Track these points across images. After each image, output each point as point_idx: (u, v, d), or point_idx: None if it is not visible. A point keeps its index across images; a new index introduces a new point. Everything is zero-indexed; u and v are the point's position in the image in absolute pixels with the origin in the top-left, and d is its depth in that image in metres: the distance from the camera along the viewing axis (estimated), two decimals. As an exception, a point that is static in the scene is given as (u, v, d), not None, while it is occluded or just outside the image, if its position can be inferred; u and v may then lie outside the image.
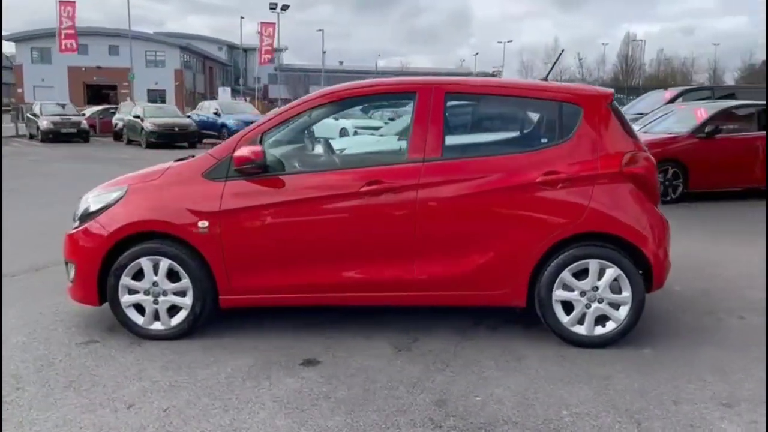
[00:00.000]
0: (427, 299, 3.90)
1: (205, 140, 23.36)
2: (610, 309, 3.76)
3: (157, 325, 3.88)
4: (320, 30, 59.51)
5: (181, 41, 62.94)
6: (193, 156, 4.17)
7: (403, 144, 4.09)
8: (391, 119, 17.59)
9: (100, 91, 57.39)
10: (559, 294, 3.77)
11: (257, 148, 3.71)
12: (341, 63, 78.19)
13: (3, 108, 26.15)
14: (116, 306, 3.85)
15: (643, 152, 3.89)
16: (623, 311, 3.76)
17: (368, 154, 5.08)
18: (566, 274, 3.74)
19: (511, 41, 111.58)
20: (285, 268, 3.82)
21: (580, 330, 3.79)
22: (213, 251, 3.76)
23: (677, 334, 4.05)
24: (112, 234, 3.79)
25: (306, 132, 4.47)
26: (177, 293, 3.85)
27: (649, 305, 3.87)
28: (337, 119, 15.12)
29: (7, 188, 9.85)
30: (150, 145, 21.60)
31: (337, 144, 5.26)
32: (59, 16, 33.51)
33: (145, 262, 3.80)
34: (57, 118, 24.03)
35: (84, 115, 27.84)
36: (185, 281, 3.81)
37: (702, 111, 10.08)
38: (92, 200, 4.00)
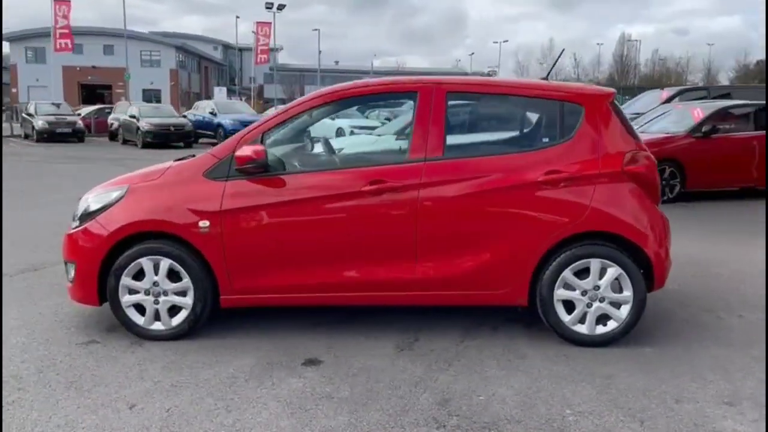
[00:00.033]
0: (428, 299, 3.89)
1: (201, 140, 23.35)
2: (612, 308, 3.77)
3: (157, 325, 3.87)
4: (316, 30, 59.49)
5: (177, 41, 62.76)
6: (193, 155, 4.16)
7: (404, 143, 4.09)
8: (388, 119, 17.61)
9: (95, 90, 57.16)
10: (560, 293, 3.77)
11: (259, 147, 3.70)
12: (337, 63, 78.10)
13: (-1, 108, 26.06)
14: (116, 306, 3.84)
15: (644, 151, 3.89)
16: (624, 310, 3.76)
17: (369, 153, 5.08)
18: (568, 274, 3.75)
19: (506, 41, 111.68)
20: (286, 268, 3.81)
21: (582, 329, 3.79)
22: (214, 251, 3.75)
23: (677, 332, 4.06)
24: (113, 234, 3.77)
25: (306, 132, 4.47)
26: (178, 293, 3.83)
27: (649, 304, 3.88)
28: (333, 119, 15.10)
29: (4, 188, 9.80)
30: (146, 145, 21.58)
31: (335, 144, 5.25)
32: (54, 15, 33.32)
33: (146, 262, 3.79)
34: (52, 118, 23.96)
35: (79, 114, 27.76)
36: (186, 281, 3.80)
37: (699, 111, 10.11)
38: (92, 200, 3.98)
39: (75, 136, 23.95)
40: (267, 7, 46.04)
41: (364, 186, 3.72)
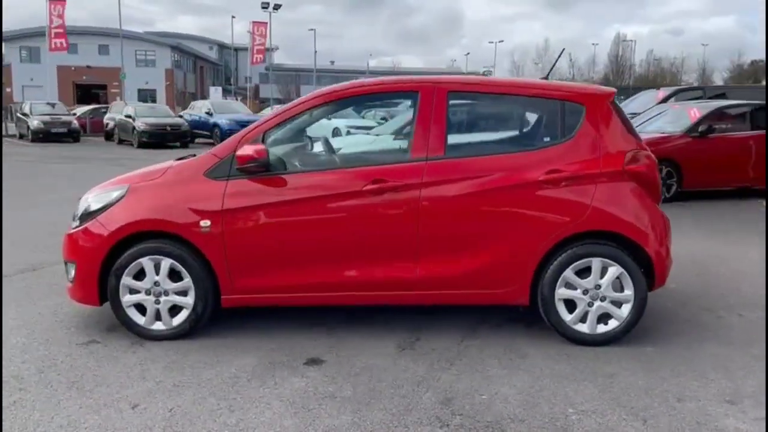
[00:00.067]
0: (430, 298, 3.89)
1: (197, 140, 23.30)
2: (613, 307, 3.78)
3: (158, 325, 3.85)
4: (312, 29, 59.43)
5: (172, 41, 62.58)
6: (194, 155, 4.14)
7: (403, 143, 4.09)
8: (384, 119, 17.57)
9: (90, 90, 56.98)
10: (561, 292, 3.78)
11: (260, 146, 3.70)
12: (332, 63, 78.04)
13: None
14: (117, 306, 3.83)
15: (645, 150, 3.90)
16: (625, 309, 3.77)
17: (370, 153, 5.07)
18: (569, 273, 3.75)
19: (502, 41, 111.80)
20: (287, 268, 3.81)
21: (583, 328, 3.80)
22: (215, 251, 3.74)
23: (678, 331, 4.07)
24: (113, 233, 3.76)
25: (307, 131, 4.46)
26: (178, 293, 3.82)
27: (649, 303, 3.88)
28: (330, 119, 15.07)
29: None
30: (142, 145, 21.50)
31: (335, 143, 5.24)
32: (49, 14, 33.22)
33: (147, 262, 3.77)
34: (47, 118, 23.86)
35: (75, 114, 27.65)
36: (187, 281, 3.79)
37: (695, 110, 10.14)
38: (92, 200, 3.97)
39: (70, 136, 23.85)
40: (263, 7, 46.01)
41: (365, 185, 3.72)
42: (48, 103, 26.73)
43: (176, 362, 3.53)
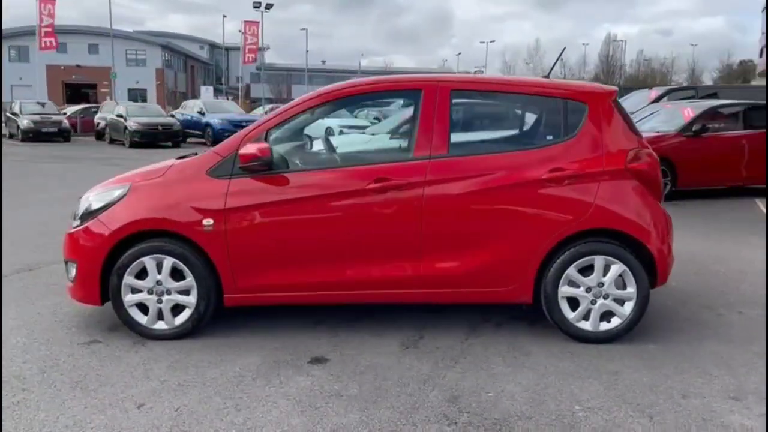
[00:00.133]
0: (433, 296, 3.89)
1: (189, 140, 23.19)
2: (615, 305, 3.79)
3: (160, 325, 3.83)
4: (303, 29, 59.31)
5: (162, 40, 62.24)
6: (195, 153, 4.12)
7: (405, 141, 4.08)
8: (377, 119, 17.55)
9: (80, 90, 56.58)
10: (564, 290, 3.79)
11: (264, 145, 3.68)
12: (324, 62, 77.93)
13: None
14: (119, 305, 3.80)
15: (647, 149, 3.92)
16: (628, 307, 3.79)
17: (373, 151, 5.06)
18: (572, 271, 3.77)
19: (493, 41, 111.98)
20: (290, 267, 3.79)
21: (586, 326, 3.81)
22: (218, 249, 3.72)
23: (680, 329, 4.10)
24: (115, 232, 3.73)
25: (306, 130, 4.45)
26: (181, 292, 3.80)
27: (650, 301, 3.90)
28: (323, 118, 15.04)
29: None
30: (134, 145, 21.37)
31: (335, 142, 5.23)
32: (39, 13, 32.98)
33: (149, 261, 3.75)
34: (37, 117, 23.68)
35: (65, 114, 27.45)
36: (189, 280, 3.77)
37: (689, 110, 10.20)
38: (93, 198, 3.94)
39: (61, 135, 23.67)
40: (255, 6, 45.90)
41: (368, 184, 3.71)
42: (38, 103, 26.51)
43: (180, 362, 3.51)
